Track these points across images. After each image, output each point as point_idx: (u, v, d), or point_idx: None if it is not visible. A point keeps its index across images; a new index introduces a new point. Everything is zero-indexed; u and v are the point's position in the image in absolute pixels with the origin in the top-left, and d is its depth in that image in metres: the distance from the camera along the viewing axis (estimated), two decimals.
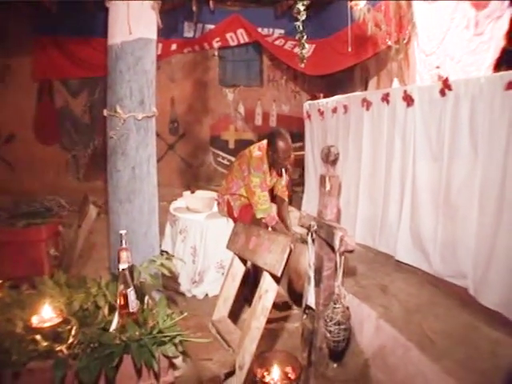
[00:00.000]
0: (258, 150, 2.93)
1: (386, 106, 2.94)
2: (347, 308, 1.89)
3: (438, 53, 3.76)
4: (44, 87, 5.60)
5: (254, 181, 2.85)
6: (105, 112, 2.10)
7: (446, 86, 2.36)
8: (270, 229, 2.77)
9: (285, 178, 3.09)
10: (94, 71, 5.33)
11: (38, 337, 1.36)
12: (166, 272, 1.80)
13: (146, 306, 1.57)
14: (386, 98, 2.94)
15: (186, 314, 1.56)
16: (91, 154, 5.83)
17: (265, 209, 2.85)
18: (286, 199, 3.20)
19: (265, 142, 2.98)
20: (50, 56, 5.34)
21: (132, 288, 1.46)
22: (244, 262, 2.07)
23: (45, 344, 1.35)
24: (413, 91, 2.67)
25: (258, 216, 2.85)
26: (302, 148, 4.62)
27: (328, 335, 1.88)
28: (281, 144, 2.80)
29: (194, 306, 2.83)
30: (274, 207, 3.10)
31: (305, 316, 2.12)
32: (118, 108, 2.02)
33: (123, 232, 1.59)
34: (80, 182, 5.77)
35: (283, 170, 2.99)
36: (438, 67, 3.76)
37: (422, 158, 2.62)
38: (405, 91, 2.73)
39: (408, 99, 2.69)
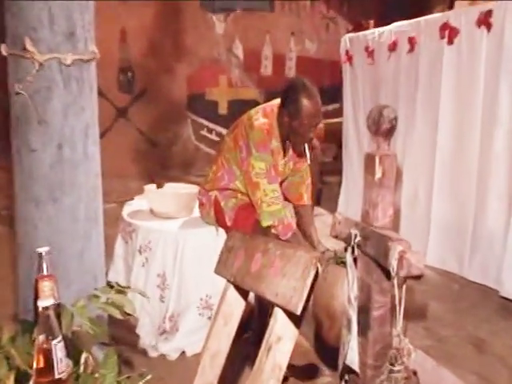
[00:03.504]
0: (264, 115, 2.95)
1: (485, 35, 2.94)
2: (414, 373, 1.90)
3: None
4: None
5: (257, 166, 2.87)
6: (2, 49, 2.10)
7: None
8: None
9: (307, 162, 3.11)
10: None
11: None
12: (117, 314, 1.82)
13: (82, 369, 1.58)
14: (485, 21, 2.91)
15: (149, 376, 1.58)
16: None
17: (274, 211, 2.87)
18: (309, 201, 3.23)
19: (275, 101, 3.00)
20: None
21: (60, 339, 1.48)
22: (244, 293, 2.08)
23: None
24: None
25: (265, 223, 2.87)
26: (339, 113, 4.64)
27: None
28: (305, 103, 2.80)
29: (162, 370, 2.86)
30: (291, 208, 3.14)
31: None
32: (29, 44, 2.02)
33: (44, 250, 1.61)
34: None
35: (306, 148, 3.00)
36: None
37: None
38: None
39: None
